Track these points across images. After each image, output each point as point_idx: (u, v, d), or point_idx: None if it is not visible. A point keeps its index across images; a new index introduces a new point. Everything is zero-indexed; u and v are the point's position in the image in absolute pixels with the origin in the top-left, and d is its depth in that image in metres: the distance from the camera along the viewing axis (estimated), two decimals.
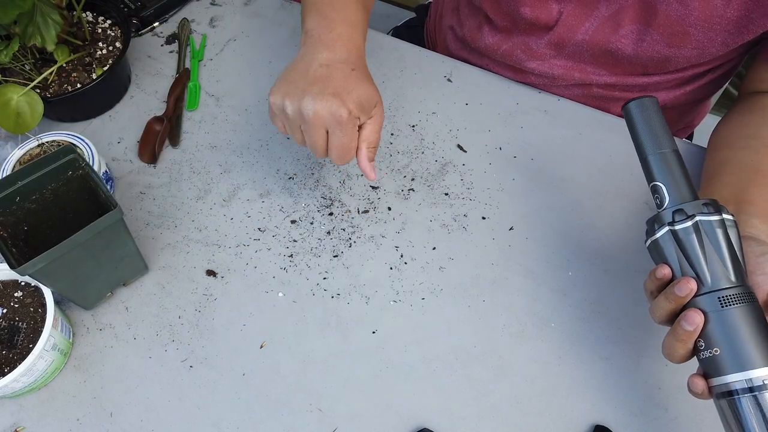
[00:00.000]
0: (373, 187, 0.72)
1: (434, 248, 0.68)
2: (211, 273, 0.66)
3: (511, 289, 0.65)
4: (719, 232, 0.46)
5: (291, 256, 0.67)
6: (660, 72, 0.73)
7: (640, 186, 0.72)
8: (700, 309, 0.46)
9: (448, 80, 0.81)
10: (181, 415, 0.58)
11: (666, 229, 0.48)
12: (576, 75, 0.76)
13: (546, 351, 0.61)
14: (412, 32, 1.06)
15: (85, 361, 0.61)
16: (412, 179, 0.72)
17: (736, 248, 0.47)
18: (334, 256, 0.67)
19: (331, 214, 0.70)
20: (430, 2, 1.03)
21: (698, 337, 0.46)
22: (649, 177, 0.51)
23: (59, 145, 0.68)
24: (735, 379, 0.44)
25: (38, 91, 0.71)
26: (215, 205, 0.71)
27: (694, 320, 0.45)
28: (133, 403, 0.58)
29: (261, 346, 0.62)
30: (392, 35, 0.97)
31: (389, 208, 0.70)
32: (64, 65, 0.74)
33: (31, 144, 0.68)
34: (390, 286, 0.65)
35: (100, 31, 0.78)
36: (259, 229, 0.69)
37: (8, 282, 0.59)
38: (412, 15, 1.12)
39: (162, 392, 0.59)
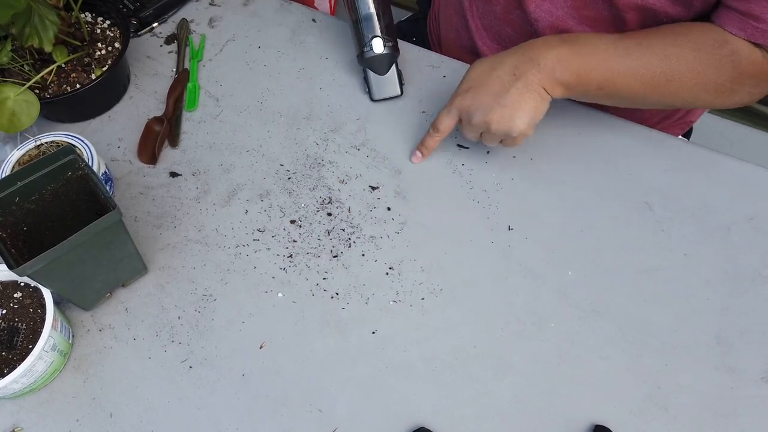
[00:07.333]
0: (372, 188, 0.72)
1: (434, 248, 0.67)
2: (211, 273, 0.66)
3: (511, 289, 0.65)
4: None
5: (290, 256, 0.67)
6: None
7: (640, 186, 0.72)
8: None
9: (448, 80, 0.81)
10: (180, 416, 0.58)
11: None
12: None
13: (546, 351, 0.61)
14: (414, 26, 1.06)
15: (85, 362, 0.61)
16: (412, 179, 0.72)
17: None
18: (334, 257, 0.67)
19: (330, 214, 0.70)
20: None
21: None
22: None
23: (58, 146, 0.68)
24: None
25: (37, 91, 0.71)
26: (215, 205, 0.71)
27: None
28: (132, 403, 0.58)
29: (260, 347, 0.62)
30: None
31: (389, 208, 0.70)
32: (63, 66, 0.74)
33: (30, 145, 0.68)
34: (389, 287, 0.65)
35: (99, 31, 0.78)
36: (258, 229, 0.69)
37: (7, 283, 0.59)
38: (412, 13, 1.12)
39: (161, 393, 0.59)
